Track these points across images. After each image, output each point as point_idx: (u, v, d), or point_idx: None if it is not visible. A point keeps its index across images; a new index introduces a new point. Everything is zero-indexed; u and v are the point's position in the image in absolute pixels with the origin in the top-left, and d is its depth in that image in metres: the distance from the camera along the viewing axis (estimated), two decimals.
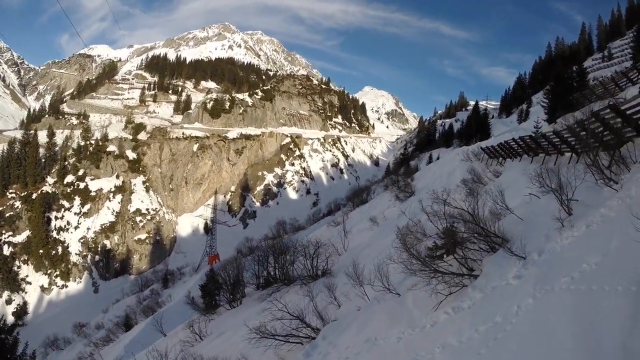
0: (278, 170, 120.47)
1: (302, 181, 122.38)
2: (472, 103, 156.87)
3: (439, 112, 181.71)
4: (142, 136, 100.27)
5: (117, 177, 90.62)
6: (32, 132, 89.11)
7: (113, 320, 50.07)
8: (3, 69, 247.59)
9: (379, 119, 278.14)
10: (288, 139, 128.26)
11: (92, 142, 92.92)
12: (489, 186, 17.43)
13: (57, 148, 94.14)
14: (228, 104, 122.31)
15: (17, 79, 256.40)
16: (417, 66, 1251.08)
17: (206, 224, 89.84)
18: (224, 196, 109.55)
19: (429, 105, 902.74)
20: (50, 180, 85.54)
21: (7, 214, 77.07)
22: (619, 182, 8.19)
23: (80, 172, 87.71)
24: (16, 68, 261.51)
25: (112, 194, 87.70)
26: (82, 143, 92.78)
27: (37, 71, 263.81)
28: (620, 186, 7.95)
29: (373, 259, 16.71)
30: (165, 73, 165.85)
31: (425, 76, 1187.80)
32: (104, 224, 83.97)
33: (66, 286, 76.64)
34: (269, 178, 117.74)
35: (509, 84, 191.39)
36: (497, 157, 23.82)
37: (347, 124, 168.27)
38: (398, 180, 42.44)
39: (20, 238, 76.10)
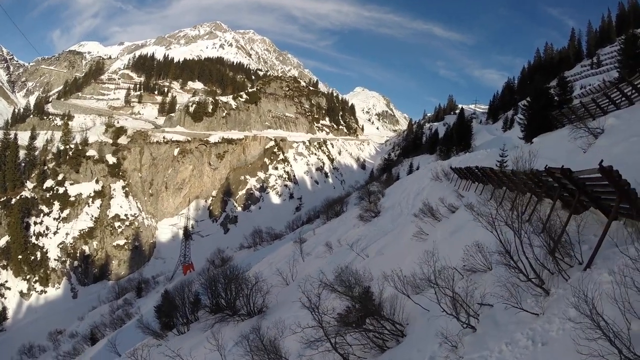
0: (261, 175, 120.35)
1: (286, 185, 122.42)
2: (462, 106, 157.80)
3: (428, 114, 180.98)
4: (123, 140, 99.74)
5: (97, 182, 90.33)
6: (12, 135, 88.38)
7: (82, 332, 50.58)
8: None
9: (369, 120, 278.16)
10: (272, 143, 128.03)
11: (72, 146, 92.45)
12: (440, 225, 16.98)
13: (36, 152, 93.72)
14: (211, 107, 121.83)
15: (6, 75, 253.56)
16: (410, 67, 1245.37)
17: (186, 228, 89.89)
18: (205, 201, 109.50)
19: (421, 106, 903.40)
20: (29, 185, 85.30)
21: None
22: (550, 293, 6.31)
23: (60, 177, 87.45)
24: (5, 64, 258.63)
25: (91, 199, 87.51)
26: (62, 147, 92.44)
27: (27, 68, 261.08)
28: (543, 311, 6.05)
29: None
30: (152, 73, 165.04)
31: (417, 77, 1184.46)
32: (82, 229, 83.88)
33: (45, 292, 76.61)
34: (252, 182, 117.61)
35: (500, 87, 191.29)
36: (466, 178, 23.00)
37: (335, 126, 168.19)
38: (369, 194, 42.88)
39: (0, 243, 76.07)
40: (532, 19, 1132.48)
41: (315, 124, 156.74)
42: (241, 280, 21.59)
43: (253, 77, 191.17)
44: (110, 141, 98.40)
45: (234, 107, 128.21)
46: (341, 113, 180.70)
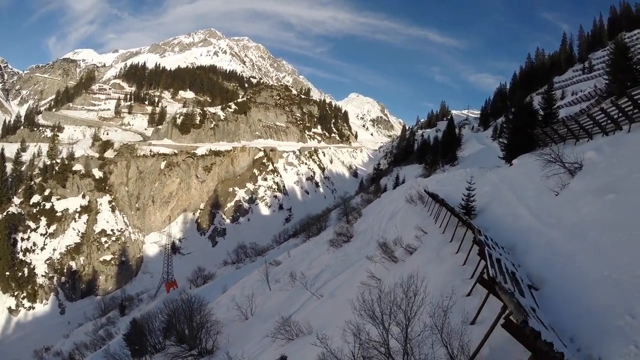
0: (250, 186, 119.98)
1: (275, 196, 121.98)
2: (454, 112, 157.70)
3: (421, 120, 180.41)
4: (109, 154, 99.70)
5: (83, 196, 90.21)
6: None
7: (65, 352, 50.87)
8: None
9: (364, 125, 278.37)
10: (261, 153, 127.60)
11: (58, 161, 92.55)
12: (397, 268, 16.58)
13: (23, 167, 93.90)
14: (199, 118, 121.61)
15: (0, 83, 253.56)
16: (405, 73, 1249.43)
17: (173, 242, 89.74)
18: (193, 214, 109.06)
19: (416, 111, 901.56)
20: (16, 200, 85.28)
21: None
22: None
23: (47, 192, 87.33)
24: None
25: (77, 214, 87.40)
26: (49, 162, 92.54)
27: (21, 75, 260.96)
28: None
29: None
30: (144, 82, 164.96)
31: (413, 83, 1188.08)
32: (69, 245, 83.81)
33: (33, 308, 76.54)
34: (240, 194, 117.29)
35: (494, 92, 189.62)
36: (438, 203, 21.20)
37: (327, 134, 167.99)
38: (347, 213, 43.17)
39: None
40: (528, 23, 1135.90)
41: (307, 133, 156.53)
42: (195, 321, 22.01)
43: (246, 85, 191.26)
44: (97, 155, 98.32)
45: (222, 117, 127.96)
46: (334, 120, 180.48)
